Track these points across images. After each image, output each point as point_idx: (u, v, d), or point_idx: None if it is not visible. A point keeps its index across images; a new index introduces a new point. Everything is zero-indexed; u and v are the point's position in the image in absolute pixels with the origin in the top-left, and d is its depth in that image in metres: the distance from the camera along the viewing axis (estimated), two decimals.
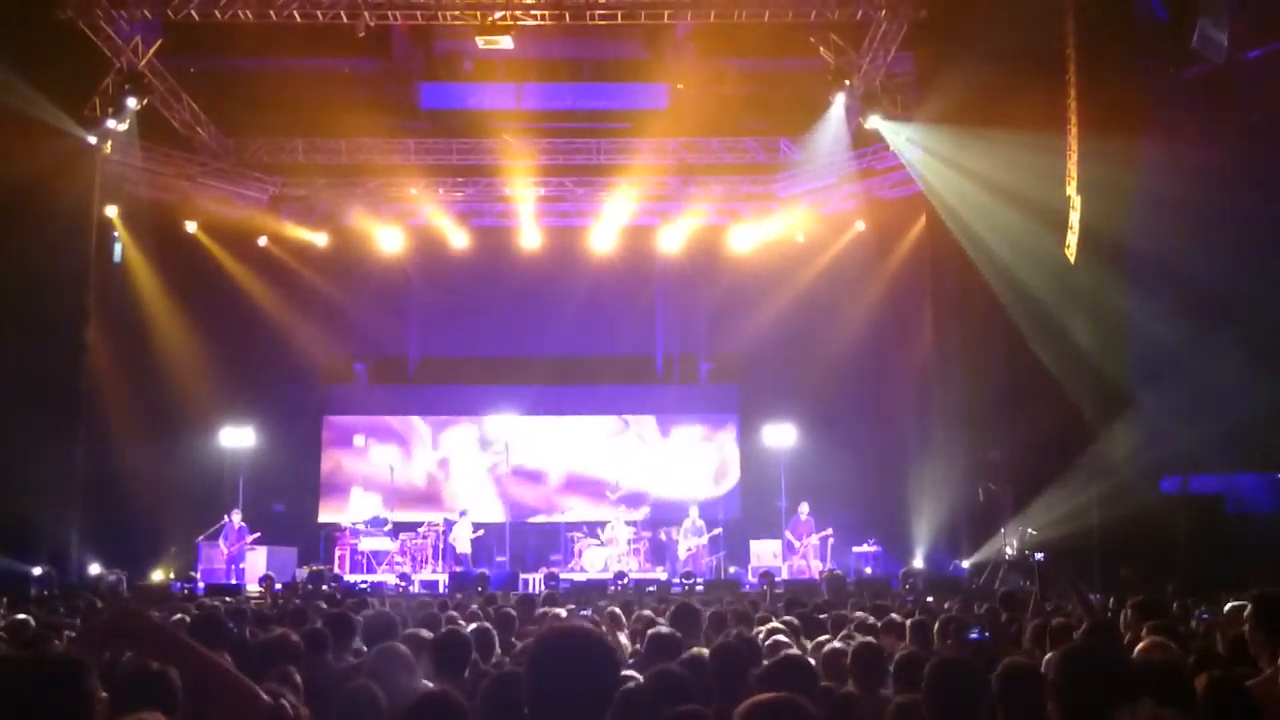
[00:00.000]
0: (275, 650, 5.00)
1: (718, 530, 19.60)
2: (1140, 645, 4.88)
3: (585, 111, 20.85)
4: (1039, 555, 14.89)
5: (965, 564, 16.87)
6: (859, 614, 7.34)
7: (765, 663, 4.72)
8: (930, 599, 13.06)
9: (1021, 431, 15.50)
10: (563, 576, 17.70)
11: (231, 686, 2.99)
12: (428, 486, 21.99)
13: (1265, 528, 16.54)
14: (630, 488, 21.33)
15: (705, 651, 4.88)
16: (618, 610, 7.96)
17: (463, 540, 19.46)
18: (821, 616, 7.72)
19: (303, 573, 17.82)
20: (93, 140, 16.88)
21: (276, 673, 4.60)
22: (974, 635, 5.84)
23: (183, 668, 3.09)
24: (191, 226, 20.14)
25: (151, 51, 16.80)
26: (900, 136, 17.74)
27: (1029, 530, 15.65)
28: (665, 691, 3.97)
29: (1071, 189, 14.73)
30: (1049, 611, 8.05)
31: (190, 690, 3.13)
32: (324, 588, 15.28)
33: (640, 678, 4.35)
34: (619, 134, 20.68)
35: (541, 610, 8.47)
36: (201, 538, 18.32)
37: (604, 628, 6.63)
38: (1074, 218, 14.61)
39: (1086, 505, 14.86)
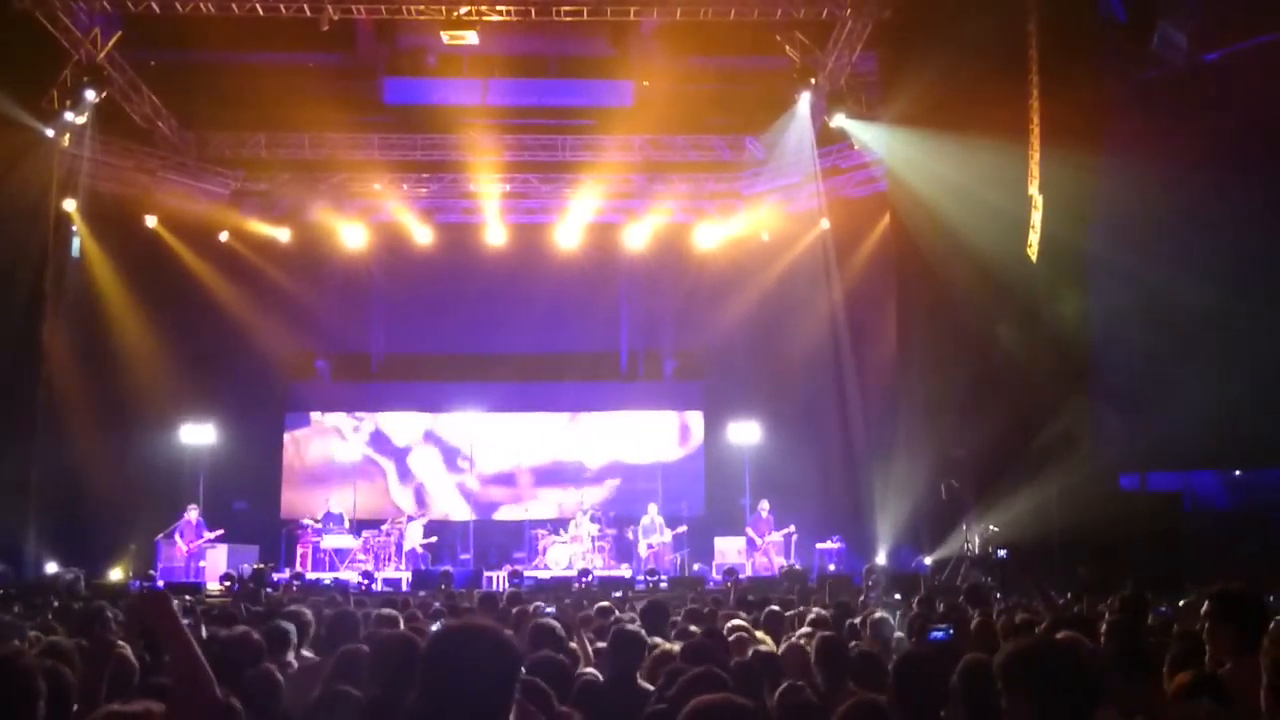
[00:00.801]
0: (235, 649, 4.94)
1: (682, 528, 19.62)
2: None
3: (551, 108, 20.76)
4: (1001, 552, 15.05)
5: (928, 560, 16.98)
6: (816, 611, 7.35)
7: (734, 660, 4.73)
8: (898, 595, 13.12)
9: (984, 429, 15.63)
10: (527, 574, 17.66)
11: (203, 682, 3.02)
12: (391, 483, 21.83)
13: (1222, 524, 16.83)
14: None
15: (675, 648, 4.88)
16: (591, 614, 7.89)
17: (412, 540, 19.39)
18: (789, 614, 7.74)
19: (247, 570, 17.62)
20: (50, 133, 16.63)
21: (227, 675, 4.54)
22: (937, 635, 5.86)
23: (176, 654, 3.10)
24: (152, 221, 19.89)
25: (111, 44, 16.57)
26: (865, 135, 17.83)
27: (990, 527, 15.78)
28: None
29: (1034, 189, 14.87)
30: (1013, 607, 8.12)
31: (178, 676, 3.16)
32: (265, 591, 15.07)
33: (599, 675, 4.35)
34: (584, 131, 20.65)
35: (520, 608, 8.43)
36: (160, 535, 18.10)
37: (571, 627, 6.60)
38: (1036, 218, 14.75)
39: (1047, 502, 15.01)
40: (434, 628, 6.40)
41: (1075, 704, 3.04)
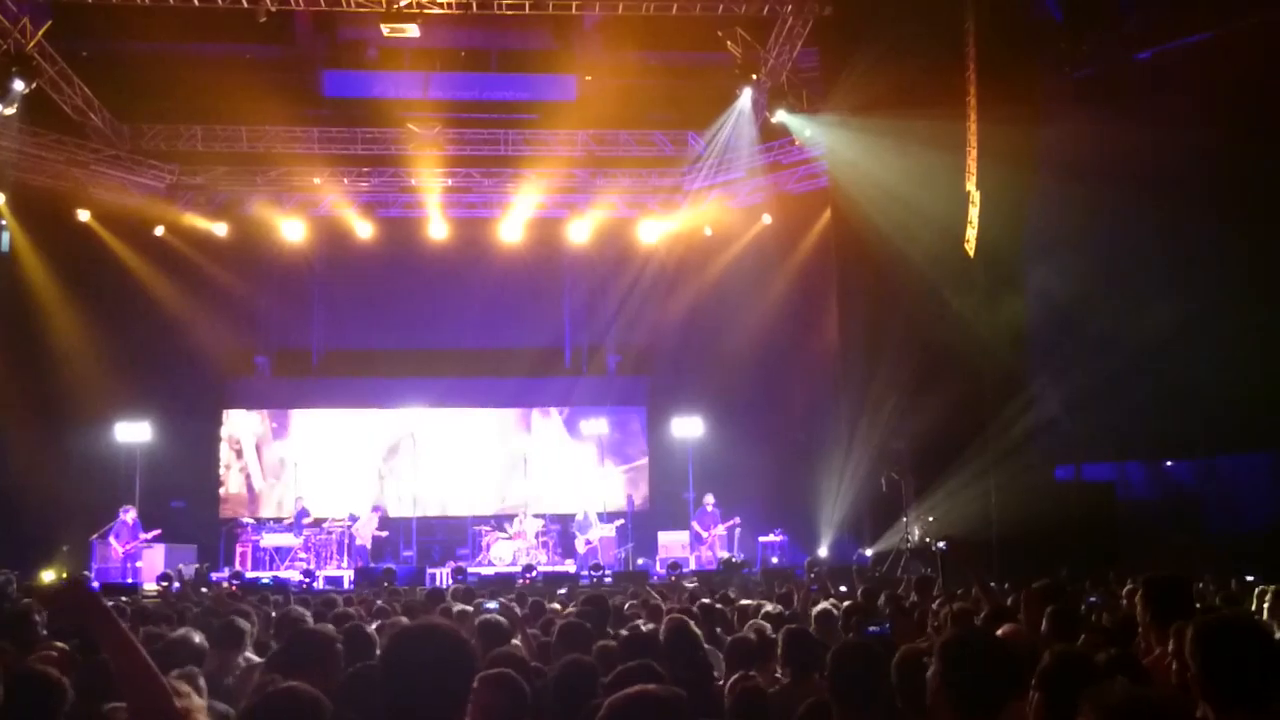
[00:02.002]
0: (174, 653, 4.88)
1: (620, 522, 19.66)
2: (1003, 629, 5.01)
3: (493, 102, 20.67)
4: (941, 543, 15.23)
5: (869, 552, 17.17)
6: (769, 606, 7.40)
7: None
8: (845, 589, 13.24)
9: (923, 421, 15.82)
10: (471, 570, 17.57)
11: (152, 686, 2.96)
12: (330, 480, 21.60)
13: (1152, 514, 17.23)
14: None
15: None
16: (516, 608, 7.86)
17: (364, 535, 19.27)
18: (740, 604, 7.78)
19: (189, 570, 17.38)
20: None
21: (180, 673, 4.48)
22: (874, 630, 5.92)
23: (116, 655, 3.04)
24: (84, 215, 19.52)
25: (40, 33, 16.18)
26: (806, 131, 17.97)
27: (929, 518, 15.99)
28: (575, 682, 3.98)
29: (971, 185, 15.07)
30: (950, 596, 8.23)
31: (120, 677, 3.09)
32: (203, 589, 14.86)
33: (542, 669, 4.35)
34: (527, 125, 20.59)
35: (460, 608, 8.38)
36: (95, 536, 17.77)
37: (514, 620, 6.59)
38: (973, 213, 14.95)
39: (984, 493, 15.24)
40: (374, 626, 6.38)
41: (995, 694, 3.11)
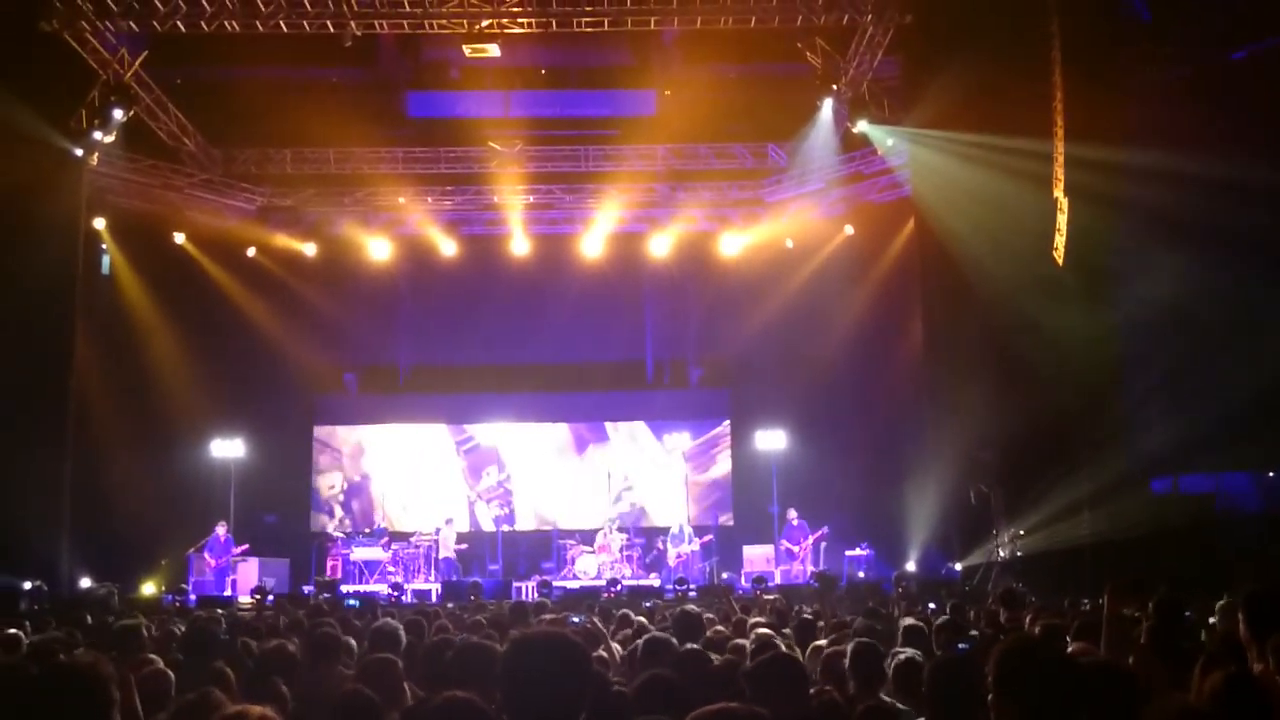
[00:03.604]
0: (272, 662, 4.98)
1: (709, 536, 19.60)
2: (1073, 647, 4.88)
3: (573, 118, 20.83)
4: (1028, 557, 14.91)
5: (958, 567, 16.88)
6: (858, 621, 7.31)
7: (749, 663, 4.73)
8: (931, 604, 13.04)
9: (1013, 432, 15.53)
10: (556, 584, 17.66)
11: None
12: (419, 495, 21.89)
13: (1254, 526, 16.64)
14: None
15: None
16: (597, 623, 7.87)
17: (447, 546, 19.47)
18: (820, 624, 7.70)
19: (282, 584, 17.80)
20: (79, 152, 16.81)
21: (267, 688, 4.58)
22: (964, 646, 5.82)
23: None
24: (180, 238, 20.11)
25: (138, 63, 16.75)
26: (888, 140, 17.78)
27: (1019, 532, 15.68)
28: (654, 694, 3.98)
29: (1059, 191, 14.78)
30: (1039, 613, 8.05)
31: None
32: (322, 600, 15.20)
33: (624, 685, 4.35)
34: (607, 140, 20.70)
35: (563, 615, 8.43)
36: (192, 550, 18.24)
37: (596, 634, 6.62)
38: (1061, 220, 14.66)
39: (1078, 506, 14.90)
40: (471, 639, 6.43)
41: (1057, 710, 3.03)
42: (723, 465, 22.14)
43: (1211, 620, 7.22)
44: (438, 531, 19.76)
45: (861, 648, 5.16)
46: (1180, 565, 13.61)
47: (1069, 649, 5.12)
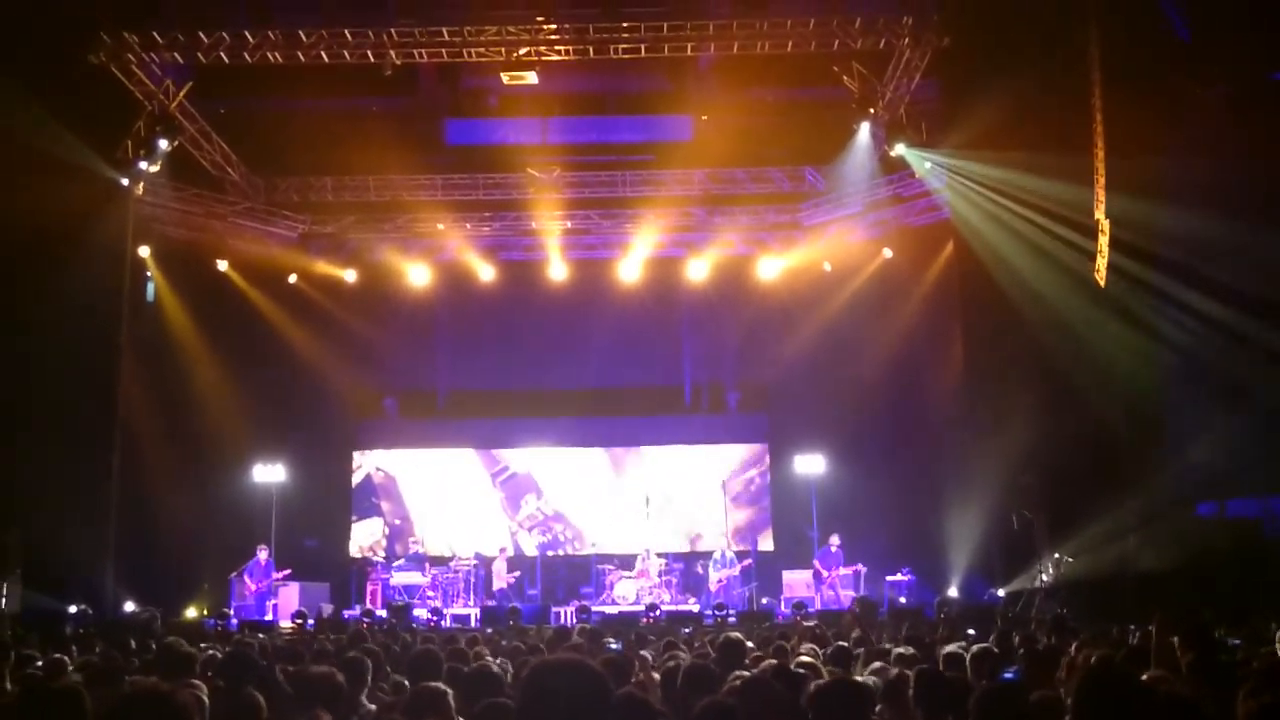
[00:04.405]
0: (314, 687, 4.99)
1: (748, 561, 19.49)
2: (1147, 675, 4.79)
3: (610, 144, 20.96)
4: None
5: (1000, 592, 16.68)
6: (899, 650, 7.24)
7: (815, 684, 4.68)
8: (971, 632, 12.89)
9: (1055, 456, 15.36)
10: (594, 609, 17.62)
11: None
12: (456, 520, 21.95)
13: None
14: (663, 499, 21.54)
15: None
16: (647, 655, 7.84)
17: (500, 577, 19.55)
18: (857, 651, 7.63)
19: (326, 609, 17.89)
20: (125, 182, 17.12)
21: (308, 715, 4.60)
22: (1008, 675, 5.73)
23: None
24: (223, 265, 20.37)
25: (182, 94, 17.05)
26: (926, 163, 17.72)
27: (1065, 557, 15.48)
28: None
29: (1100, 213, 14.66)
30: (1087, 640, 7.94)
31: None
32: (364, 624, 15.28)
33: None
34: (644, 166, 20.78)
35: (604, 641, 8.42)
36: (233, 574, 18.38)
37: (636, 663, 6.59)
38: (1103, 241, 14.53)
39: (1122, 530, 14.69)
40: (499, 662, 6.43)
41: None
42: (761, 490, 22.04)
43: (1264, 650, 7.08)
44: (473, 558, 19.76)
45: (923, 675, 5.07)
46: (1230, 591, 13.39)
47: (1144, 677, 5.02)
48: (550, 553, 21.41)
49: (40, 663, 7.65)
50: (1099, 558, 14.84)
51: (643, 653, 7.66)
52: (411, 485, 22.32)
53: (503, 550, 20.46)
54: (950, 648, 6.86)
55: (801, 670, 5.49)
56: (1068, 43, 15.03)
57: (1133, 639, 8.66)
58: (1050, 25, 15.69)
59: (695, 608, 18.14)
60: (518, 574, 19.95)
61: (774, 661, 6.24)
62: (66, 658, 7.78)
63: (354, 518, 21.98)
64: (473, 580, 19.38)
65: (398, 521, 21.96)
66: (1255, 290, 14.92)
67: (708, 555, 19.82)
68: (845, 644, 7.28)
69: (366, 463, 22.38)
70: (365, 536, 21.76)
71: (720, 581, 19.02)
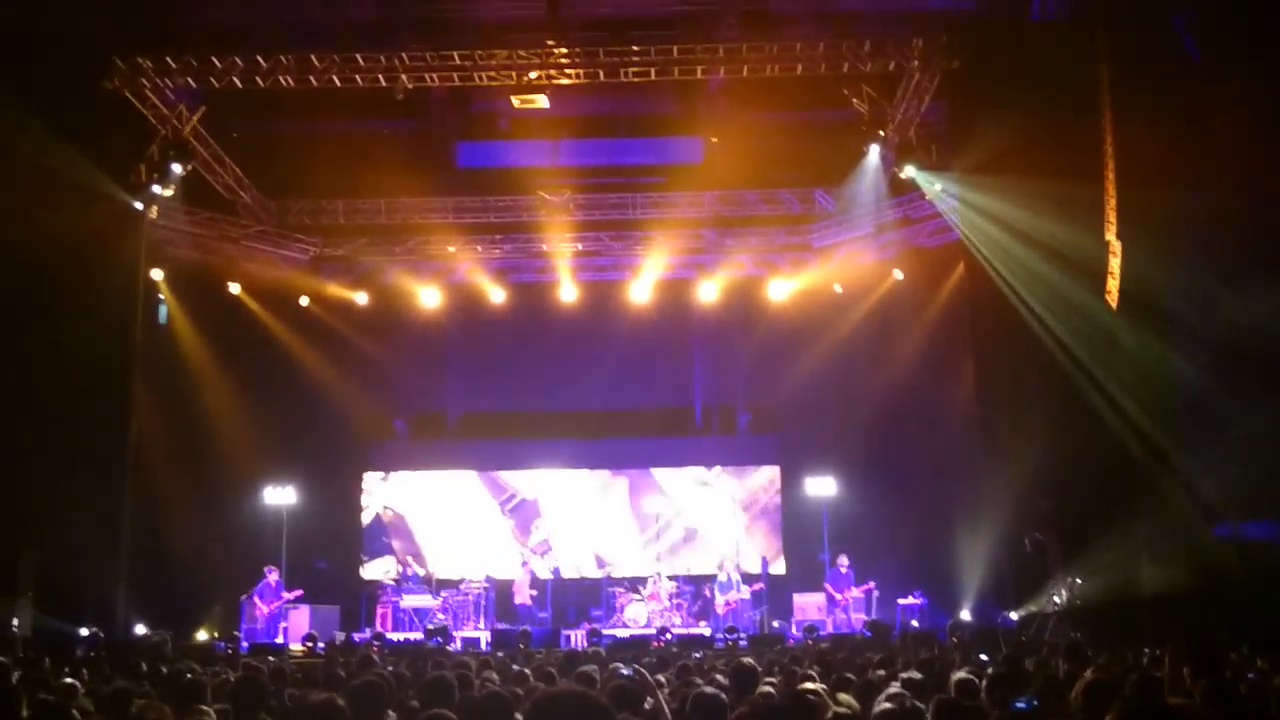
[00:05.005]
0: (318, 715, 4.97)
1: (759, 585, 19.41)
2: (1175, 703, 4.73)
3: (621, 167, 21.03)
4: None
5: (1014, 616, 16.57)
6: (904, 674, 7.18)
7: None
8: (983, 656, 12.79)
9: (1068, 478, 15.28)
10: (605, 632, 17.55)
11: None
12: (468, 541, 21.91)
13: None
14: (673, 521, 21.58)
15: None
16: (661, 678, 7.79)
17: (522, 592, 19.56)
18: (870, 676, 7.57)
19: (338, 634, 17.84)
20: (139, 206, 17.22)
21: None
22: (1021, 705, 5.65)
23: None
24: (235, 288, 20.44)
25: (195, 118, 17.16)
26: (936, 185, 17.72)
27: (1076, 580, 15.37)
28: None
29: (1111, 235, 14.63)
30: (1101, 666, 7.87)
31: None
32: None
33: None
34: (654, 188, 20.84)
35: (613, 667, 8.36)
36: (244, 597, 18.37)
37: (646, 686, 6.54)
38: (1114, 264, 14.49)
39: (1137, 553, 14.59)
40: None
41: None
42: (772, 512, 21.96)
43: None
44: (484, 580, 19.72)
45: (942, 705, 5.01)
46: (1246, 616, 13.26)
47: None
48: (559, 574, 21.34)
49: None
50: (1113, 581, 14.73)
51: (659, 676, 7.61)
52: (420, 517, 22.24)
53: (526, 564, 20.44)
54: (961, 674, 6.80)
55: (811, 698, 5.44)
56: (1077, 64, 15.04)
57: (1145, 662, 8.60)
58: (1059, 47, 15.72)
59: (706, 631, 18.06)
60: (536, 593, 19.91)
61: (770, 690, 6.21)
62: (78, 682, 7.75)
63: (365, 558, 21.92)
64: (483, 603, 19.33)
65: (409, 558, 21.89)
66: (1270, 310, 14.82)
67: (714, 578, 19.73)
68: (850, 675, 7.21)
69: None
70: (378, 573, 21.68)
71: (728, 605, 18.91)
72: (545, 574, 21.31)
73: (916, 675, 6.94)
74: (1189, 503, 15.02)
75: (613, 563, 21.50)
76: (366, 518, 22.19)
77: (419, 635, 18.10)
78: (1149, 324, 15.19)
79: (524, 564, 20.43)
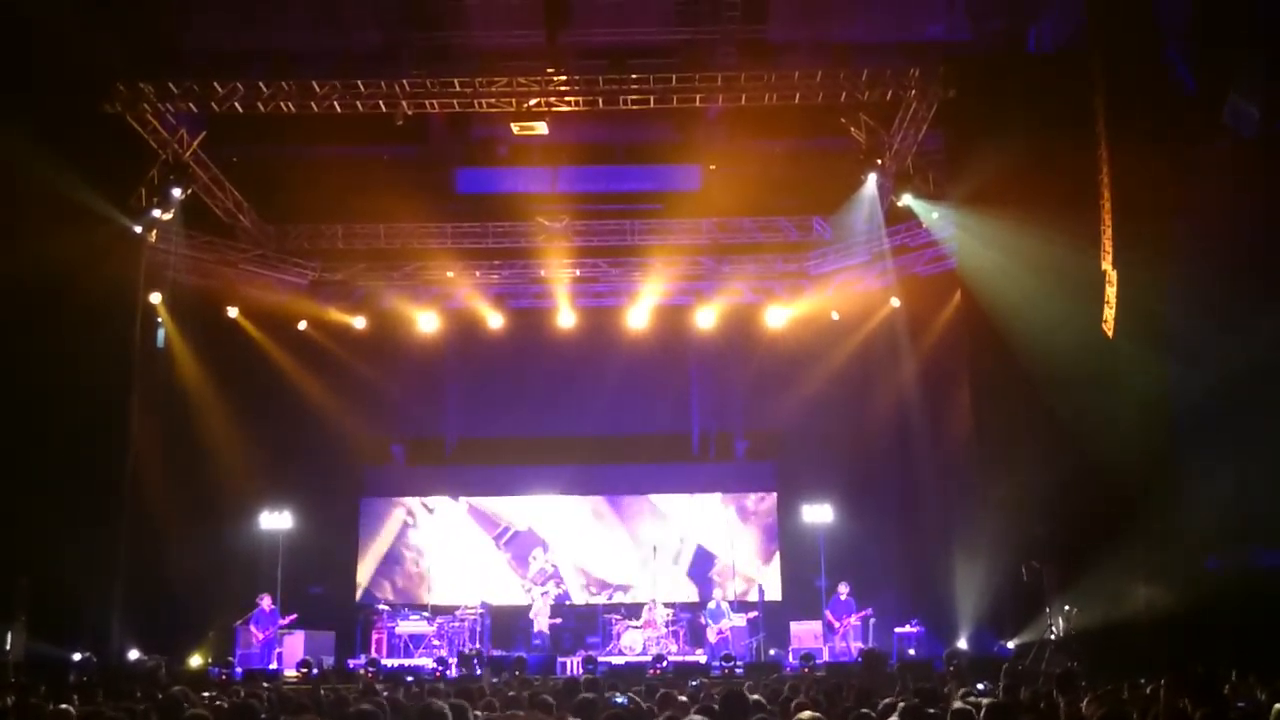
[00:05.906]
0: None
1: (755, 613, 19.35)
2: None
3: (619, 193, 21.11)
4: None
5: (1011, 644, 16.51)
6: (903, 703, 7.15)
7: None
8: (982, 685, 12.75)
9: (1066, 506, 15.26)
10: (601, 659, 17.48)
11: None
12: (459, 567, 21.83)
13: None
14: (669, 548, 21.54)
15: None
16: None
17: (541, 620, 19.49)
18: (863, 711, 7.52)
19: (328, 660, 17.76)
20: (138, 229, 17.23)
21: None
22: None
23: None
24: (233, 312, 20.46)
25: (195, 143, 17.22)
26: (933, 214, 17.78)
27: (1073, 609, 15.33)
28: None
29: (1107, 264, 14.68)
30: (1094, 696, 7.83)
31: None
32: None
33: None
34: (652, 215, 20.89)
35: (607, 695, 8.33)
36: (239, 622, 18.29)
37: (641, 715, 6.52)
38: (1111, 292, 14.54)
39: (1134, 581, 14.55)
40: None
41: None
42: (769, 539, 21.91)
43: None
44: (479, 606, 19.64)
45: None
46: (1246, 644, 13.22)
47: None
48: (555, 602, 21.25)
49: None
50: (1110, 608, 14.69)
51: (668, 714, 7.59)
52: (418, 531, 22.20)
53: (546, 594, 20.39)
54: (958, 704, 6.78)
55: None
56: (1073, 94, 15.14)
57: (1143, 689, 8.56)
58: (1056, 77, 15.83)
59: (702, 658, 17.98)
60: (559, 621, 19.85)
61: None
62: (71, 708, 7.70)
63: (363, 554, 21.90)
64: (479, 629, 19.25)
65: (401, 552, 21.87)
66: (1265, 339, 14.87)
67: (705, 607, 19.65)
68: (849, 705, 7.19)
69: (374, 508, 22.31)
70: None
71: (720, 634, 18.81)
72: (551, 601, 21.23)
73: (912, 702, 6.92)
74: (1186, 530, 15.00)
75: (611, 588, 21.43)
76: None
77: (414, 661, 18.04)
78: (1146, 352, 15.21)
79: (544, 594, 20.36)
